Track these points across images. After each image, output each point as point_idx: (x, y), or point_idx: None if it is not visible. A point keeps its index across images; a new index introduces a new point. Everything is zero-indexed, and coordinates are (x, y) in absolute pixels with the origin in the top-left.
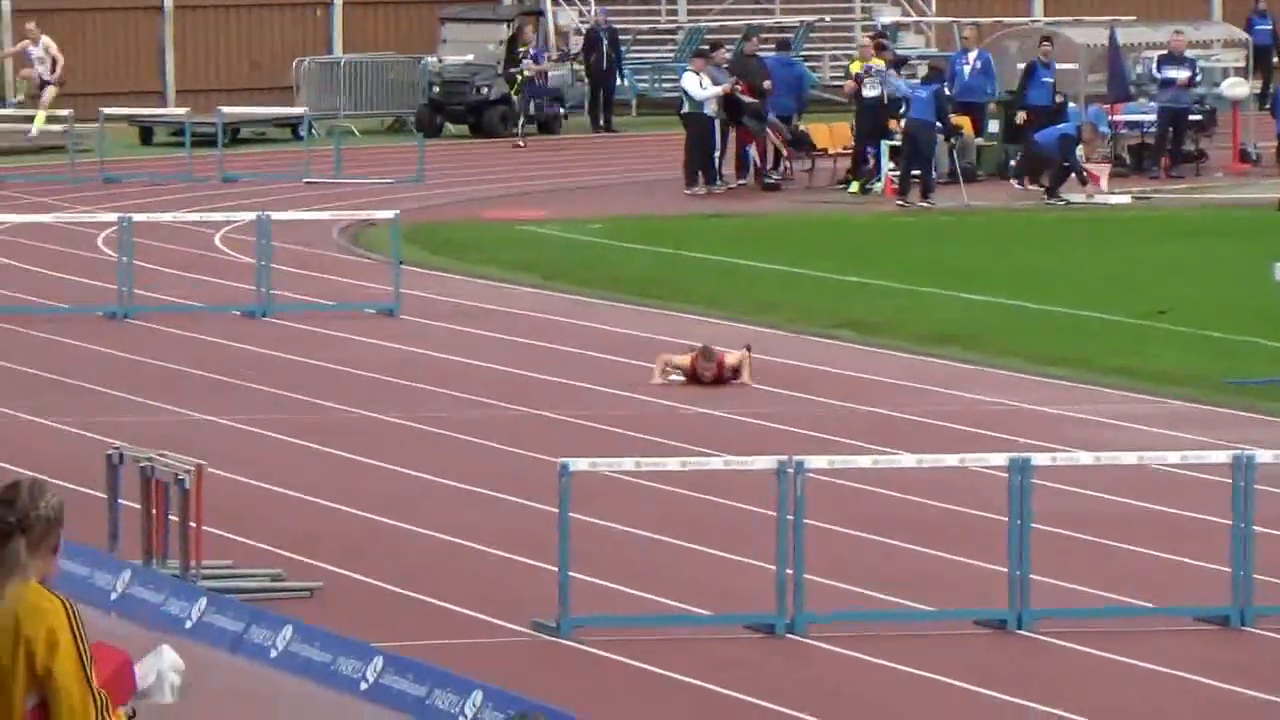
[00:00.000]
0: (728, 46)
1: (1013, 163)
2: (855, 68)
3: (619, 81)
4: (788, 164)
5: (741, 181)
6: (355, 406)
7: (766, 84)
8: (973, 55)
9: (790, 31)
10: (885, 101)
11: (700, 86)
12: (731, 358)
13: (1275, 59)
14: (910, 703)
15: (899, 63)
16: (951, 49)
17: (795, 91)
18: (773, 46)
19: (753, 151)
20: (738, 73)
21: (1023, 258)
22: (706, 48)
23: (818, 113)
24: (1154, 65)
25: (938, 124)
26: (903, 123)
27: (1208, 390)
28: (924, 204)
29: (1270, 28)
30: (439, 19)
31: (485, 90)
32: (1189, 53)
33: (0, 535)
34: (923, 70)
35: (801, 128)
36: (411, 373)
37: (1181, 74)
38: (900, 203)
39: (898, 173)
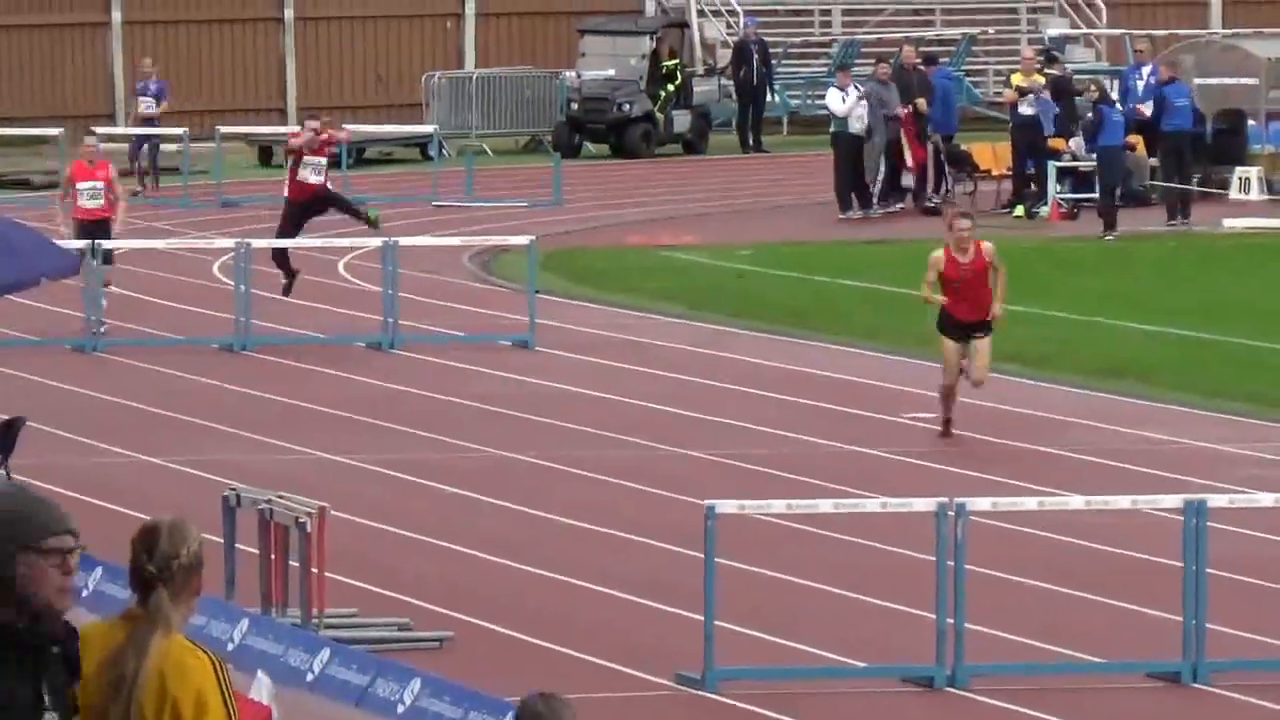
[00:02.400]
0: (889, 60)
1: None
2: (1017, 80)
3: (769, 97)
4: (949, 186)
5: (901, 205)
6: (487, 445)
7: (920, 101)
8: (1146, 70)
9: (952, 45)
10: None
11: (842, 102)
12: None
13: None
14: None
15: (1062, 87)
16: (1123, 63)
17: (951, 108)
18: (919, 61)
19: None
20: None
21: (1198, 286)
22: (852, 62)
23: (979, 130)
24: None
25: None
26: (1070, 144)
27: None
28: (1108, 237)
29: None
30: (577, 31)
31: (627, 107)
32: None
33: (142, 586)
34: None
35: (963, 147)
36: (547, 409)
37: None
38: (1108, 236)
39: (1065, 196)
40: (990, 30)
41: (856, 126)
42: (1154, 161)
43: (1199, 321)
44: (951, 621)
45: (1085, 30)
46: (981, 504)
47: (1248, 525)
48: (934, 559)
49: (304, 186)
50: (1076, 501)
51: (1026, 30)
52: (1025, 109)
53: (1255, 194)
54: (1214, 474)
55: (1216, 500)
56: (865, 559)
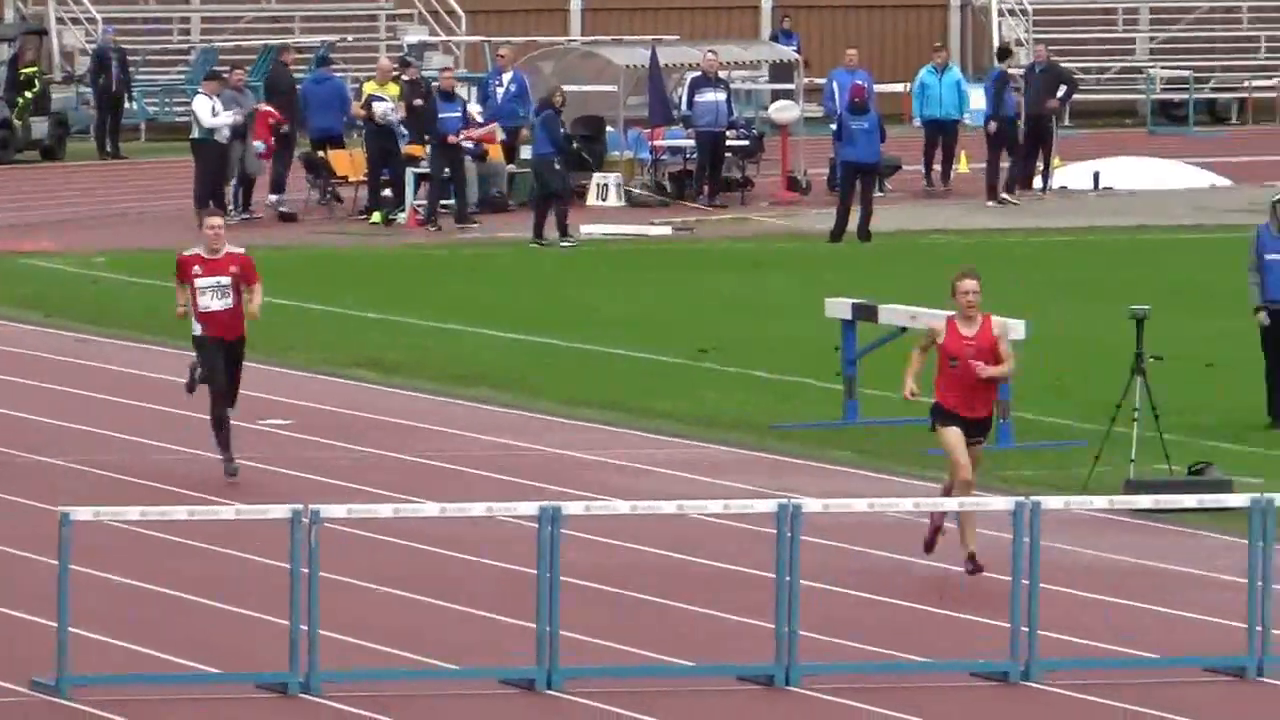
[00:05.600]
0: (247, 68)
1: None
2: (369, 88)
3: (128, 104)
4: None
5: (258, 214)
6: None
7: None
8: (507, 77)
9: (310, 53)
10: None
11: (212, 113)
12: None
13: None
14: None
15: (416, 94)
16: (482, 69)
17: (341, 109)
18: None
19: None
20: (272, 91)
21: (557, 292)
22: (223, 70)
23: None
24: (687, 88)
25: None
26: (466, 146)
27: (755, 434)
28: (561, 242)
29: (796, 47)
30: None
31: None
32: (738, 74)
33: None
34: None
35: (320, 154)
36: None
37: (718, 96)
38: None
39: (423, 203)
40: (350, 38)
41: (222, 134)
42: (512, 168)
43: (554, 328)
44: (305, 628)
45: (445, 38)
46: (336, 511)
47: (603, 532)
48: (289, 566)
49: None
50: (431, 508)
51: (386, 38)
52: (380, 117)
53: (613, 200)
54: (569, 480)
55: (572, 508)
56: (218, 566)
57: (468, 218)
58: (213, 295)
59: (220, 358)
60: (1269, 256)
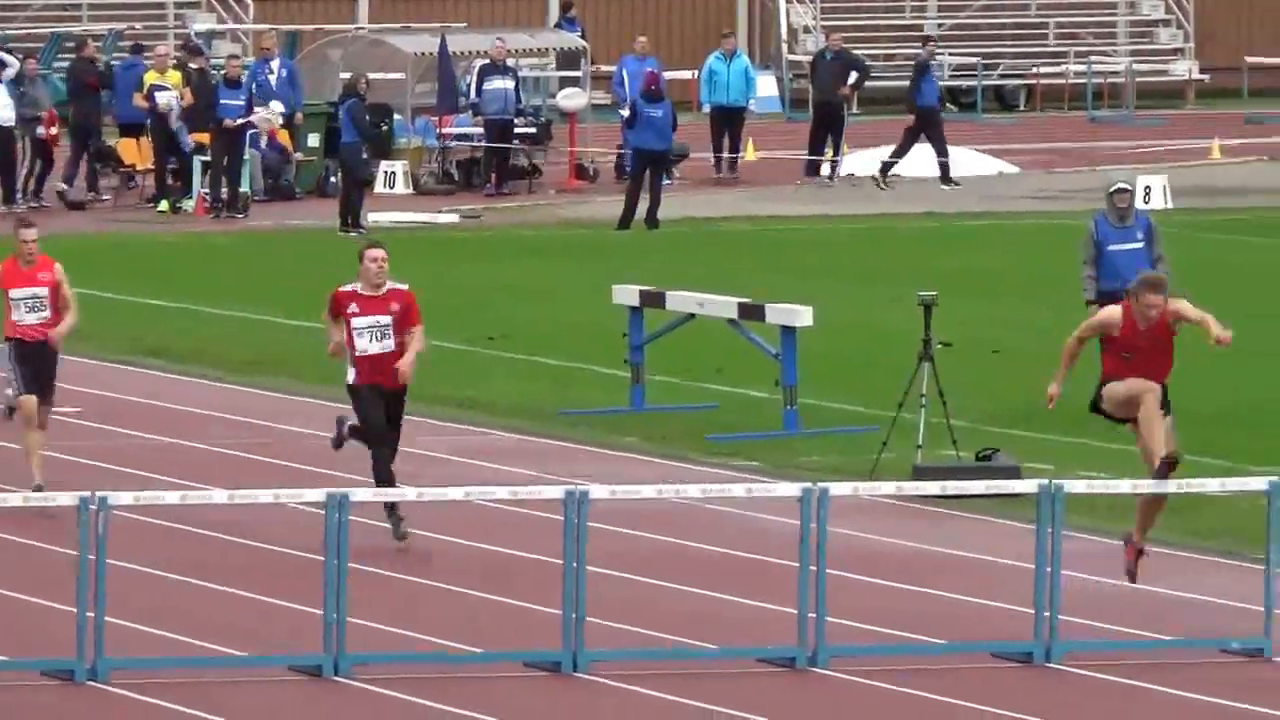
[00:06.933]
0: (39, 55)
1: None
2: (150, 78)
3: None
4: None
5: (46, 203)
6: None
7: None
8: (275, 64)
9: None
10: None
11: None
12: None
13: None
14: None
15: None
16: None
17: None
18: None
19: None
20: (75, 83)
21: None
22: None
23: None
24: (475, 76)
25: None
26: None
27: (542, 421)
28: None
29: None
30: None
31: None
32: (525, 62)
33: None
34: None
35: (110, 143)
36: None
37: (505, 84)
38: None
39: (207, 190)
40: (138, 25)
41: (5, 117)
42: (300, 156)
43: None
44: (92, 615)
45: (232, 25)
46: (124, 498)
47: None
48: (77, 554)
49: None
50: (220, 495)
51: (175, 26)
52: (164, 106)
53: (401, 188)
54: (358, 468)
55: (360, 494)
56: (8, 553)
57: (240, 204)
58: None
59: None
60: (1111, 248)
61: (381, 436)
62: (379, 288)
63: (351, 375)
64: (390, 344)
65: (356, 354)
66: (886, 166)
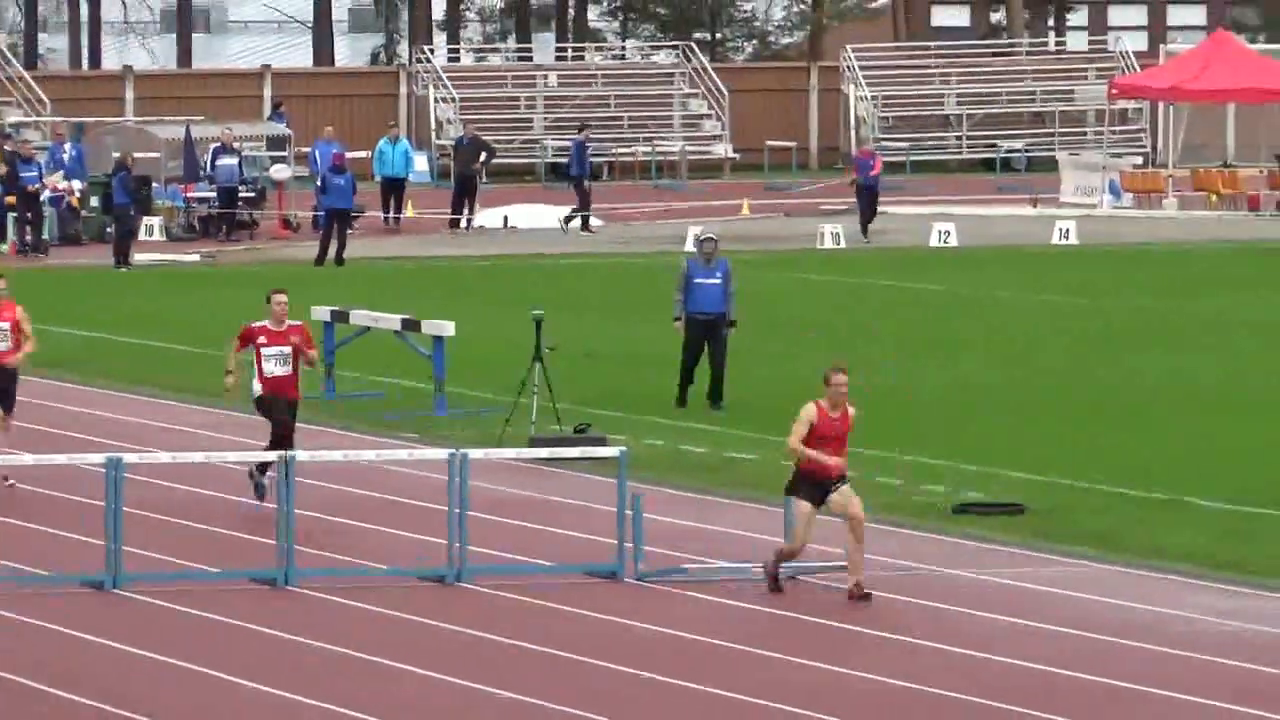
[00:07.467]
0: None
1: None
2: None
3: None
4: None
5: None
6: None
7: None
8: (68, 146)
9: None
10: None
11: None
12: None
13: None
14: None
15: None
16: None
17: None
18: None
19: None
20: None
21: (122, 302)
22: None
23: None
24: (210, 155)
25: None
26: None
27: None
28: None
29: (285, 124)
30: None
31: None
32: (247, 144)
33: None
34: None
35: None
36: None
37: (232, 161)
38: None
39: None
40: None
41: None
42: (85, 213)
43: (120, 329)
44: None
45: (35, 118)
46: None
47: (157, 476)
48: None
49: None
50: (28, 458)
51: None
52: None
53: (158, 236)
54: (135, 438)
55: (130, 458)
56: None
57: (41, 248)
58: None
59: None
60: (697, 280)
61: (285, 422)
62: (282, 323)
63: (257, 389)
64: (289, 368)
65: (264, 375)
66: (569, 218)
